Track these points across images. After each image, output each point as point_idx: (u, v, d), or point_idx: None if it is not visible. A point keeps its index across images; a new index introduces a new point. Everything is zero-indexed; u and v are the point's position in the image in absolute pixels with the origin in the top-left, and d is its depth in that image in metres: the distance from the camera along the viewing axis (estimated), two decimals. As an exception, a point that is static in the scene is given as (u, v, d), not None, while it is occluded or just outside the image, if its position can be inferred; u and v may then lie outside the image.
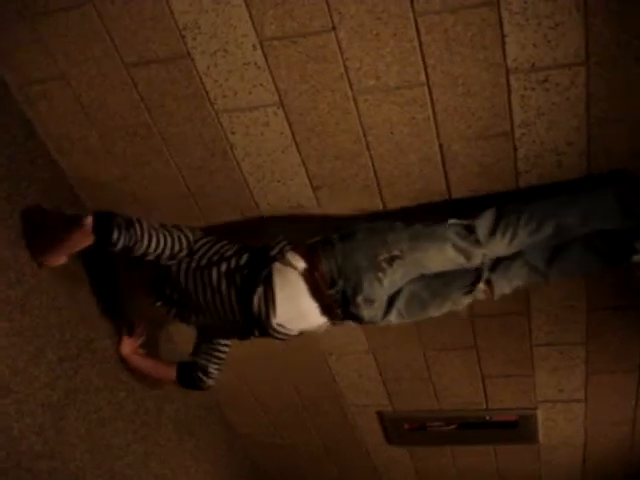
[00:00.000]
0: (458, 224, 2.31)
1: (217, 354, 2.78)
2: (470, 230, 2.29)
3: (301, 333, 2.55)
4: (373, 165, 2.49)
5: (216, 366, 2.79)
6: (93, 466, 2.83)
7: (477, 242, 2.28)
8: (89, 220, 2.33)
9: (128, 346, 3.02)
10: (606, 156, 2.29)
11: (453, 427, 3.63)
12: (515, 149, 2.34)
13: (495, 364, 3.17)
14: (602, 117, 2.19)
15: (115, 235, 2.31)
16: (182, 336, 3.26)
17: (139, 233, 2.35)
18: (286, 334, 2.49)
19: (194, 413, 3.65)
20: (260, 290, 2.36)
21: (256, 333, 2.51)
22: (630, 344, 2.89)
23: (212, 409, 3.86)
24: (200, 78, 2.35)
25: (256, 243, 2.51)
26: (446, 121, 2.30)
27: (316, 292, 2.36)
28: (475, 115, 2.27)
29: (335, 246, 2.34)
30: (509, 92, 2.19)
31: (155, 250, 2.40)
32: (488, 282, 2.37)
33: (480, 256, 2.31)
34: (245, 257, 2.44)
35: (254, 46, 2.23)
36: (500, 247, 2.30)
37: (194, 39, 2.25)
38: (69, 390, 2.72)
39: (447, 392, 3.42)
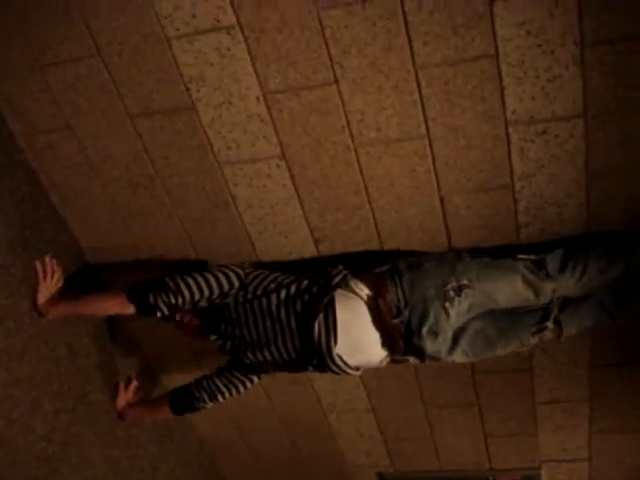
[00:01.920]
0: (527, 259, 2.30)
1: (239, 386, 2.62)
2: (540, 265, 2.27)
3: (357, 369, 2.44)
4: (374, 217, 2.50)
5: (226, 396, 2.63)
6: (86, 523, 2.77)
7: (547, 276, 2.25)
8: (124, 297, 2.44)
9: (124, 401, 2.99)
10: (606, 208, 2.30)
11: (455, 488, 3.56)
12: (515, 202, 2.35)
13: (498, 422, 3.13)
14: (601, 169, 2.22)
15: (151, 298, 2.40)
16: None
17: (174, 287, 2.41)
18: (343, 369, 2.38)
19: (190, 472, 3.59)
20: (321, 317, 2.29)
21: (314, 362, 2.39)
22: (634, 402, 2.85)
23: (208, 468, 3.79)
24: (204, 130, 2.39)
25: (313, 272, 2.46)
26: (446, 173, 2.33)
27: (379, 321, 2.30)
28: (475, 168, 2.29)
29: (403, 275, 2.29)
30: (509, 144, 2.22)
31: (202, 295, 2.43)
32: (557, 322, 2.31)
33: (549, 292, 2.26)
34: (305, 283, 2.38)
35: (258, 99, 2.27)
36: (569, 283, 2.26)
37: (198, 91, 2.30)
38: (64, 443, 2.69)
39: (449, 451, 3.37)
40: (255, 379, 2.64)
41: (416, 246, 2.54)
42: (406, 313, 2.26)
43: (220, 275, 2.44)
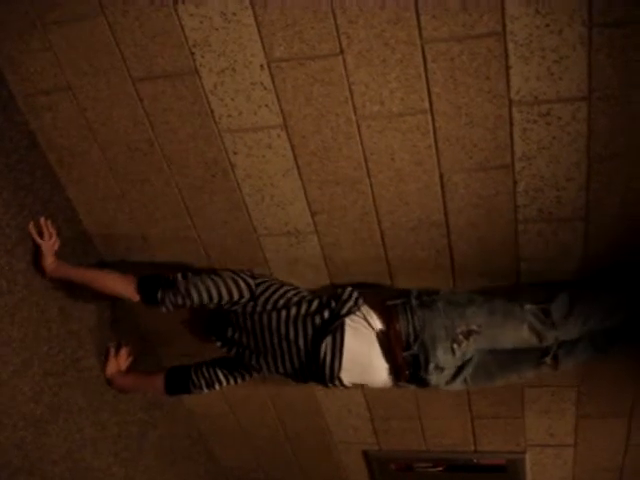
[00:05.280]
0: (535, 307, 2.37)
1: (238, 379, 2.72)
2: (546, 313, 2.36)
3: (353, 385, 2.55)
4: (373, 192, 2.49)
5: (224, 385, 2.72)
6: (72, 486, 2.78)
7: (552, 325, 2.35)
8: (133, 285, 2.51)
9: (114, 367, 3.00)
10: (606, 193, 2.30)
11: (440, 469, 3.57)
12: (515, 182, 2.35)
13: (485, 404, 3.13)
14: (602, 153, 2.21)
15: (159, 295, 2.46)
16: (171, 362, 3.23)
17: (183, 289, 2.46)
18: (339, 387, 2.51)
19: (178, 442, 3.59)
20: (329, 339, 2.38)
21: (314, 379, 2.52)
22: (621, 388, 2.87)
23: (196, 440, 3.80)
24: (206, 96, 2.37)
25: (321, 291, 2.56)
26: (448, 151, 2.32)
27: (389, 352, 2.40)
28: (477, 146, 2.28)
29: (415, 312, 2.38)
30: (511, 124, 2.20)
31: (210, 301, 2.47)
32: (555, 358, 2.43)
33: (552, 339, 2.37)
34: (315, 304, 2.46)
35: (262, 66, 2.25)
36: (572, 332, 2.36)
37: (203, 56, 2.27)
38: (53, 406, 2.68)
39: (435, 432, 3.38)
40: (255, 374, 2.72)
41: (414, 223, 2.53)
42: (415, 348, 2.37)
43: (231, 283, 2.49)
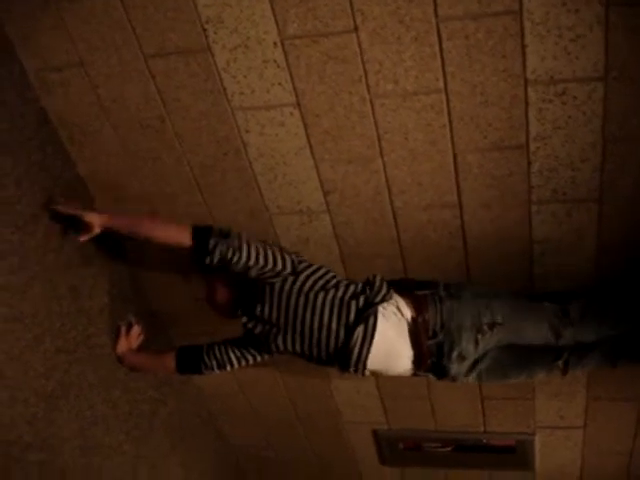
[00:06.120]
0: (555, 306, 2.44)
1: (250, 360, 2.72)
2: (565, 313, 2.43)
3: (371, 373, 2.56)
4: (385, 172, 2.48)
5: (235, 367, 2.73)
6: (83, 463, 2.80)
7: (570, 324, 2.41)
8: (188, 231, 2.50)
9: (125, 345, 3.00)
10: (620, 174, 2.28)
11: (449, 449, 3.58)
12: (529, 163, 2.33)
13: (496, 385, 3.12)
14: (617, 134, 2.18)
15: (212, 244, 2.44)
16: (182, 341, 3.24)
17: (236, 243, 2.46)
18: (360, 373, 2.52)
19: (188, 421, 3.61)
20: (362, 327, 2.38)
21: (336, 363, 2.52)
22: (632, 371, 2.84)
23: (206, 419, 3.82)
24: (219, 73, 2.35)
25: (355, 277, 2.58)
26: (462, 130, 2.30)
27: (415, 340, 2.42)
28: (491, 125, 2.26)
29: (444, 302, 2.42)
30: (527, 103, 2.18)
31: (256, 263, 2.47)
32: (565, 363, 2.49)
33: (568, 337, 2.42)
34: (351, 290, 2.47)
35: (275, 44, 2.23)
36: (586, 334, 2.42)
37: (215, 33, 2.26)
38: (64, 383, 2.69)
39: (445, 412, 3.38)
40: (267, 357, 2.73)
41: (427, 202, 2.53)
42: (441, 336, 2.40)
43: (278, 254, 2.50)
